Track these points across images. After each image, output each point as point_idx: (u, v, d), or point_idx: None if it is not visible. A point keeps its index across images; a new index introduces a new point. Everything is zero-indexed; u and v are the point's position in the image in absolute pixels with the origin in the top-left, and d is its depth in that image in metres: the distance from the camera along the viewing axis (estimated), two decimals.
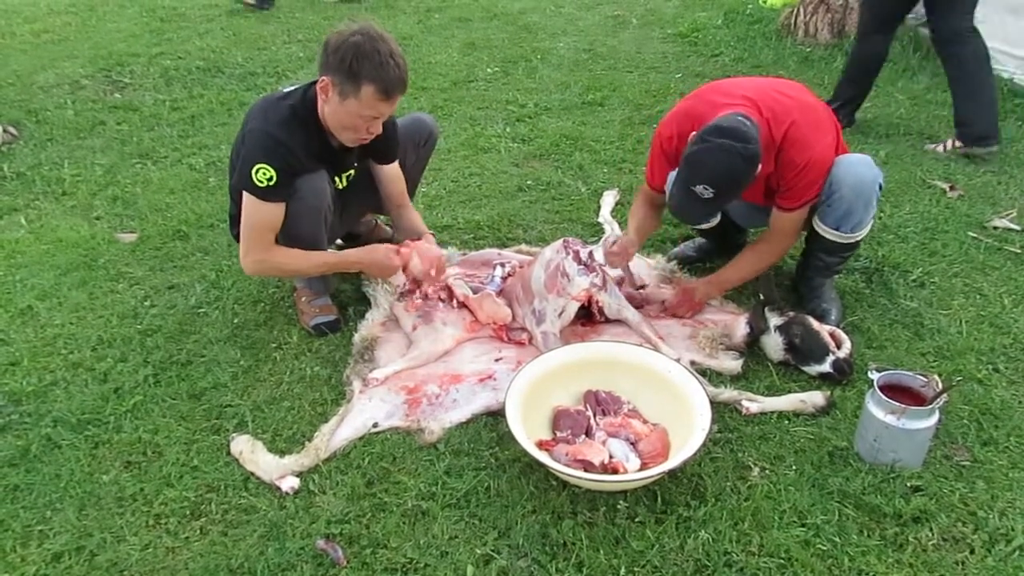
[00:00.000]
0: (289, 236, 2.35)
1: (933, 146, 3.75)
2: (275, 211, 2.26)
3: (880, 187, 2.35)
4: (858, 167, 2.31)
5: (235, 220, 2.50)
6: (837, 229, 2.36)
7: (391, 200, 2.63)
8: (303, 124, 2.24)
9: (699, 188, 2.13)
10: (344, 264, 2.49)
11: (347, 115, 2.19)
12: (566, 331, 2.41)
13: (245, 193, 2.23)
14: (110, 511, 1.91)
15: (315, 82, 2.24)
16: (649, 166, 2.57)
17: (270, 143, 2.19)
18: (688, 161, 2.16)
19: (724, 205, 2.32)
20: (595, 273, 2.40)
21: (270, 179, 2.18)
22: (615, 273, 2.60)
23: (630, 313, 2.45)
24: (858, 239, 2.41)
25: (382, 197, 2.63)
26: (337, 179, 2.45)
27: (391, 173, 2.57)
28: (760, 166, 2.17)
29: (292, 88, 2.31)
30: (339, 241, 2.97)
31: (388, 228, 3.03)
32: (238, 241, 2.58)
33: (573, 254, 2.39)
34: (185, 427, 2.16)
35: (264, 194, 2.21)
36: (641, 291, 2.62)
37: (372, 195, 2.62)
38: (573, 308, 2.38)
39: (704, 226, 2.70)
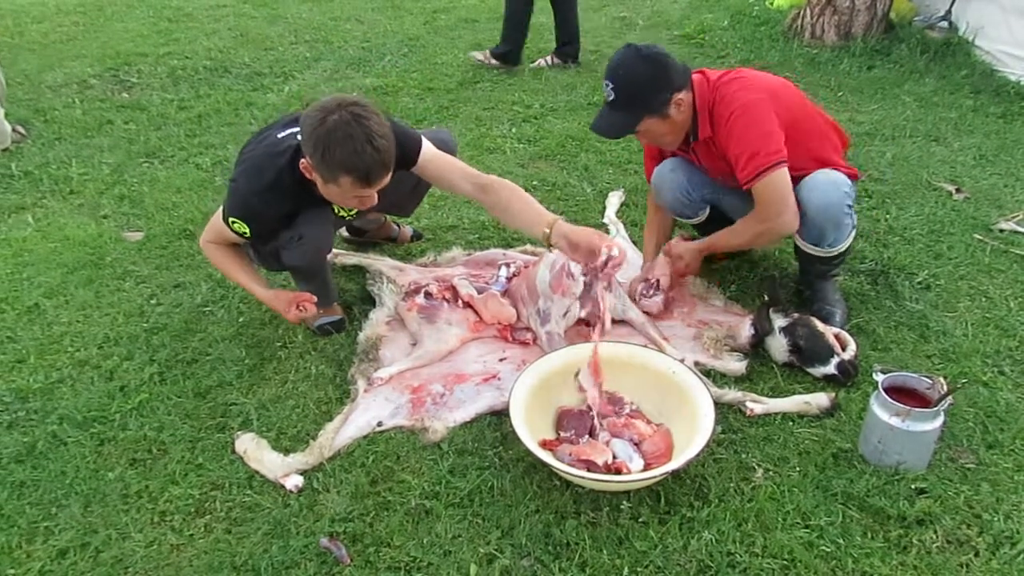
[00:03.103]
0: (290, 267, 2.43)
1: (535, 64, 4.97)
2: (237, 239, 2.31)
3: (850, 205, 2.33)
4: (822, 189, 2.28)
5: None
6: (816, 245, 2.38)
7: (454, 186, 2.33)
8: (287, 193, 2.17)
9: (604, 88, 2.26)
10: (254, 295, 2.44)
11: (334, 195, 2.11)
12: (570, 332, 2.42)
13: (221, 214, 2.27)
14: (115, 508, 1.92)
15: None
16: (645, 165, 2.69)
17: (249, 207, 2.19)
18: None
19: (629, 118, 2.27)
20: None
21: (244, 234, 2.24)
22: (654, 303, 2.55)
23: (635, 314, 2.45)
24: (840, 251, 2.41)
25: (457, 191, 2.37)
26: (342, 209, 2.39)
27: (432, 165, 2.29)
28: (679, 98, 2.24)
29: (291, 131, 2.18)
30: (344, 232, 2.98)
31: (396, 226, 3.02)
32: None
33: None
34: (190, 425, 2.17)
35: (235, 235, 2.27)
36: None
37: (384, 204, 2.58)
38: (578, 308, 2.38)
39: (693, 220, 2.70)
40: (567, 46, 4.99)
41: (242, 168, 2.24)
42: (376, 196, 2.11)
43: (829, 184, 2.29)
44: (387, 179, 2.05)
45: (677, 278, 2.59)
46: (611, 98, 2.26)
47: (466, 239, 3.05)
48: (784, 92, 2.33)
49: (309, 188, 2.17)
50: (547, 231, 2.06)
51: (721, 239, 2.50)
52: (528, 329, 2.46)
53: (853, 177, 2.41)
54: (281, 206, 2.22)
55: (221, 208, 2.28)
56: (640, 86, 2.23)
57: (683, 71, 2.27)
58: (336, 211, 2.40)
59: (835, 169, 2.35)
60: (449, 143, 2.56)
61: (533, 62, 5.03)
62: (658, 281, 2.54)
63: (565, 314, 2.37)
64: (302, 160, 2.07)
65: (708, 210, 2.65)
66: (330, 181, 2.02)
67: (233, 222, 2.22)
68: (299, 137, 2.09)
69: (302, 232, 2.29)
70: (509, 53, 4.92)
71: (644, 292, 2.53)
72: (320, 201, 2.24)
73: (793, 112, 2.29)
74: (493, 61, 4.94)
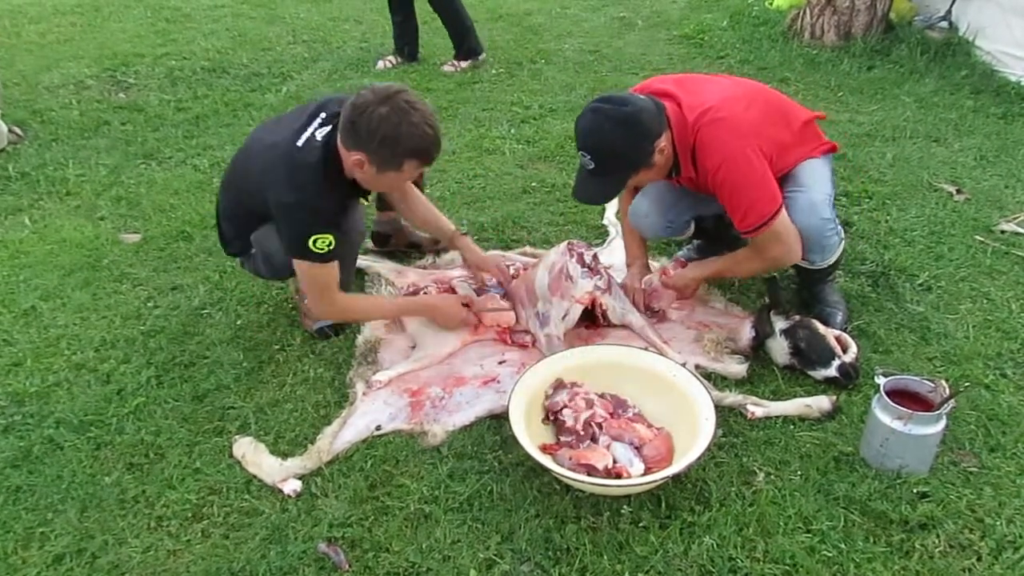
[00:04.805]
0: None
1: (446, 67, 4.98)
2: (334, 268, 2.21)
3: (831, 227, 2.29)
4: (800, 217, 2.23)
5: (229, 241, 2.48)
6: (805, 260, 2.37)
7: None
8: (335, 184, 2.16)
9: (581, 158, 2.16)
10: (411, 313, 2.48)
11: (387, 183, 2.19)
12: (570, 334, 2.40)
13: (300, 261, 2.18)
14: (112, 513, 1.90)
15: (333, 129, 2.14)
16: None
17: (318, 214, 2.11)
18: (575, 128, 2.18)
19: (616, 181, 2.21)
20: (599, 276, 2.39)
21: (329, 244, 2.12)
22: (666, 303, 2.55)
23: (634, 317, 2.44)
24: (829, 264, 2.40)
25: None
26: (363, 200, 2.41)
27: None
28: (662, 145, 2.14)
29: (305, 131, 2.16)
30: (369, 243, 2.94)
31: (418, 232, 2.98)
32: (232, 255, 2.55)
33: (577, 257, 2.38)
34: (187, 429, 2.15)
35: (326, 259, 2.15)
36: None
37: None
38: (577, 311, 2.37)
39: (681, 238, 2.71)
40: (466, 45, 5.00)
41: (277, 183, 2.12)
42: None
43: (806, 210, 2.24)
44: None
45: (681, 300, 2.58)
46: (591, 167, 2.14)
47: None
48: (764, 118, 2.22)
49: (343, 181, 2.19)
50: (451, 243, 2.62)
51: (725, 270, 2.48)
52: (527, 332, 2.44)
53: (832, 150, 2.40)
54: (337, 196, 2.19)
55: (302, 278, 2.25)
56: (619, 152, 2.12)
57: (658, 114, 2.14)
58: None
59: (813, 157, 2.33)
60: None
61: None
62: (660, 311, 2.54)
63: (564, 316, 2.36)
64: (353, 157, 2.07)
65: (693, 224, 2.66)
66: (390, 169, 2.08)
67: (315, 240, 2.10)
68: (319, 138, 2.13)
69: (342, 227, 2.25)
70: (472, 48, 4.98)
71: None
72: (350, 195, 2.27)
73: (775, 135, 2.23)
74: (464, 64, 4.96)
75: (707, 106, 2.16)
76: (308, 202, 2.10)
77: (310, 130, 2.16)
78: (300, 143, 2.14)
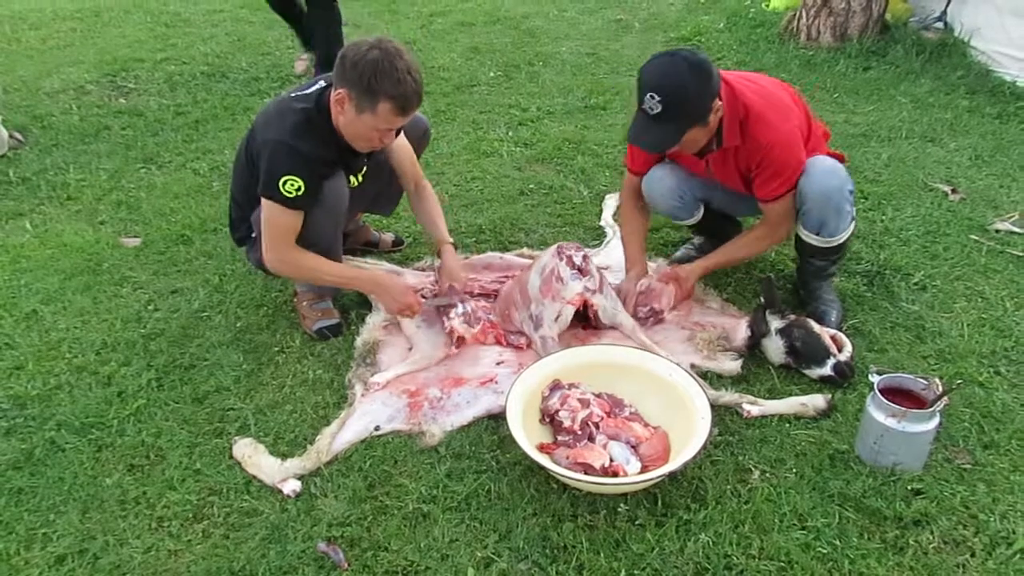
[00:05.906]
0: (307, 241, 2.34)
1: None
2: (297, 218, 2.27)
3: (851, 192, 2.35)
4: (823, 177, 2.30)
5: (236, 224, 2.53)
6: (817, 234, 2.40)
7: (405, 173, 2.64)
8: (319, 131, 2.24)
9: (647, 100, 2.15)
10: (356, 283, 2.51)
11: (363, 127, 2.20)
12: (566, 334, 2.42)
13: (268, 200, 2.23)
14: (113, 514, 1.92)
15: (326, 86, 2.25)
16: (629, 149, 2.60)
17: (294, 155, 2.18)
18: (639, 75, 2.19)
19: (676, 130, 2.19)
20: (589, 277, 2.40)
21: (298, 189, 2.20)
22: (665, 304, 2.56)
23: (624, 318, 2.45)
24: (840, 242, 2.42)
25: (396, 172, 2.64)
26: (352, 178, 2.47)
27: (398, 144, 2.56)
28: (718, 105, 2.18)
29: (303, 91, 2.29)
30: None
31: (376, 232, 3.04)
32: (239, 246, 2.61)
33: (567, 259, 2.39)
34: (188, 431, 2.17)
35: (291, 204, 2.22)
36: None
37: (370, 194, 2.64)
38: (569, 312, 2.38)
39: (689, 221, 2.71)
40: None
41: (264, 127, 2.25)
42: (393, 134, 2.28)
43: (828, 172, 2.32)
44: (412, 115, 2.22)
45: (680, 302, 2.59)
46: (656, 111, 2.13)
47: (463, 243, 3.05)
48: (799, 107, 2.37)
49: (331, 133, 2.25)
50: (438, 249, 2.64)
51: (726, 256, 2.55)
52: (522, 334, 2.46)
53: (841, 159, 2.46)
54: (318, 146, 2.23)
55: (263, 205, 2.26)
56: (690, 99, 2.13)
57: (718, 75, 2.20)
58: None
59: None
60: (422, 120, 2.74)
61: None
62: (661, 311, 2.55)
63: (556, 318, 2.37)
64: (335, 92, 2.16)
65: (702, 209, 2.67)
66: (367, 110, 2.14)
67: (285, 182, 2.18)
68: (313, 91, 2.26)
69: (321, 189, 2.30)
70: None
71: (643, 318, 2.52)
72: (336, 160, 2.32)
73: (804, 125, 2.36)
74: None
75: (757, 84, 2.29)
76: (287, 141, 2.19)
77: (308, 88, 2.30)
78: (295, 95, 2.28)
